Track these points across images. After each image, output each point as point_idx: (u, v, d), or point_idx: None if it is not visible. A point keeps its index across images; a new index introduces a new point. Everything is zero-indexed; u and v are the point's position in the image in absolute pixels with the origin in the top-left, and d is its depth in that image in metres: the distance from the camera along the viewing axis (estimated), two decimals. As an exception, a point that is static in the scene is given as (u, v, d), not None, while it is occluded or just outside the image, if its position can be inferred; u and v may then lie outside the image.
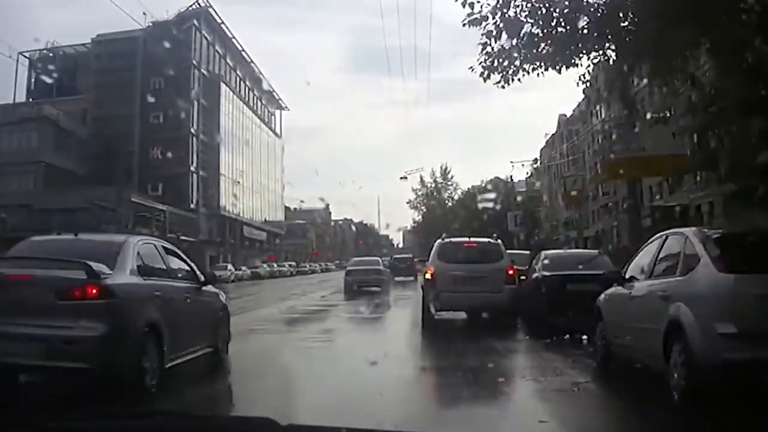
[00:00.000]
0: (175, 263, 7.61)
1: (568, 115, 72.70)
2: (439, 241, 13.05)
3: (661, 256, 6.09)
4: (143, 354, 6.04)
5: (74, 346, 5.55)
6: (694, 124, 12.07)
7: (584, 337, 8.85)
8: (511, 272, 12.04)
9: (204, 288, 8.02)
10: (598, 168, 49.85)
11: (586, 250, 15.04)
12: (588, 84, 8.96)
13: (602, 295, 7.54)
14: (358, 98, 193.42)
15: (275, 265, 59.79)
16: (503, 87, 8.06)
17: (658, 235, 6.50)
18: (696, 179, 39.16)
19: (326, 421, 4.24)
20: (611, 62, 8.60)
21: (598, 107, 59.98)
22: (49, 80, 61.04)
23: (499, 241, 13.30)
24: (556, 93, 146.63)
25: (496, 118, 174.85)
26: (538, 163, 69.15)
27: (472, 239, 13.59)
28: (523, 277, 13.11)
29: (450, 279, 11.90)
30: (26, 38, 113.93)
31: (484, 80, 8.00)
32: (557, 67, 7.89)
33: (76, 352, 5.53)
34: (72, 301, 5.69)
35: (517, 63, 7.92)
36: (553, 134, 76.84)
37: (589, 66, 8.33)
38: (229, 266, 47.86)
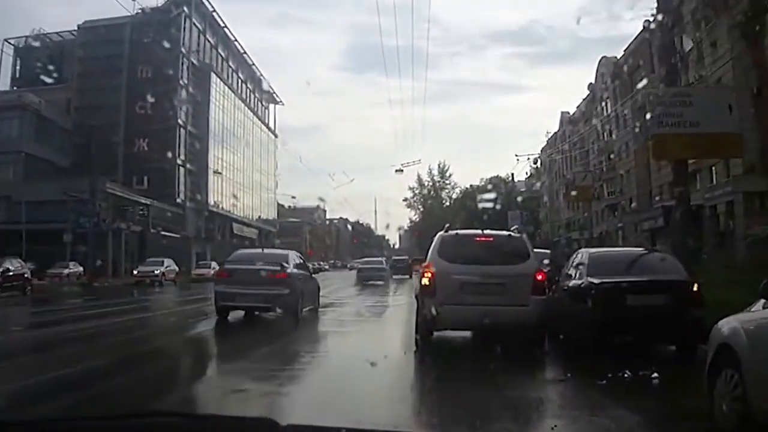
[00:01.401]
0: (302, 263, 15.20)
1: (571, 113, 70.45)
2: (442, 233, 9.60)
3: None
4: (298, 303, 13.12)
5: (274, 297, 12.48)
6: None
7: (654, 376, 5.96)
8: (540, 278, 8.86)
9: (312, 276, 15.64)
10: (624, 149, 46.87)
11: (636, 248, 11.36)
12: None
13: (731, 323, 4.57)
14: (355, 97, 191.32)
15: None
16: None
17: None
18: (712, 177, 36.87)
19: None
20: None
21: (604, 103, 57.81)
22: (34, 68, 58.77)
23: (524, 235, 9.93)
24: (556, 94, 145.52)
25: (495, 119, 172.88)
26: (539, 163, 66.59)
27: (486, 232, 10.03)
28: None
29: (455, 286, 8.72)
30: (13, 28, 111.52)
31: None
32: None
33: (274, 301, 12.49)
34: (275, 278, 12.79)
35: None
36: (555, 132, 74.59)
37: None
38: (213, 264, 45.17)
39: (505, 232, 10.29)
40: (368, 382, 6.85)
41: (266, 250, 16.60)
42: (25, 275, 23.10)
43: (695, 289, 7.65)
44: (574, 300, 8.53)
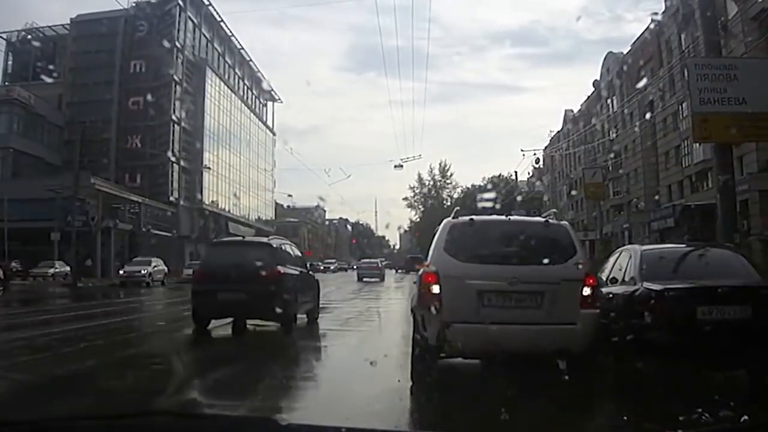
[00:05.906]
0: (381, 261, 52.17)
1: (575, 111, 68.96)
2: (449, 220, 6.72)
3: None
4: (384, 275, 44.72)
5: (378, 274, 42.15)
6: None
7: (744, 418, 3.84)
8: (592, 283, 6.13)
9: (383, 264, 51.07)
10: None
11: (691, 244, 9.07)
12: None
13: None
14: (355, 97, 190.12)
15: (259, 264, 55.43)
16: None
17: None
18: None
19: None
20: None
21: (610, 100, 56.31)
22: (27, 63, 57.40)
23: (565, 223, 6.95)
24: (557, 95, 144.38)
25: (495, 120, 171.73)
26: (541, 162, 65.02)
27: (513, 218, 7.51)
28: None
29: (471, 295, 5.97)
30: (6, 24, 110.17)
31: None
32: None
33: (378, 276, 41.68)
34: (375, 268, 44.06)
35: None
36: (558, 131, 73.15)
37: None
38: (206, 264, 43.50)
39: (539, 219, 7.64)
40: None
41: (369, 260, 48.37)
42: (-4, 275, 21.77)
43: None
44: (622, 312, 6.40)
